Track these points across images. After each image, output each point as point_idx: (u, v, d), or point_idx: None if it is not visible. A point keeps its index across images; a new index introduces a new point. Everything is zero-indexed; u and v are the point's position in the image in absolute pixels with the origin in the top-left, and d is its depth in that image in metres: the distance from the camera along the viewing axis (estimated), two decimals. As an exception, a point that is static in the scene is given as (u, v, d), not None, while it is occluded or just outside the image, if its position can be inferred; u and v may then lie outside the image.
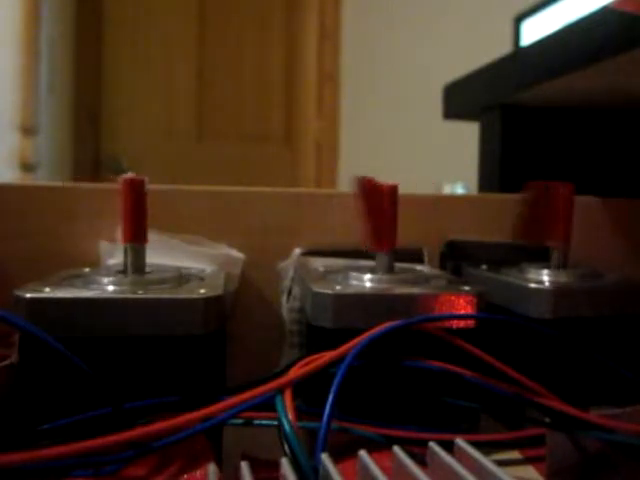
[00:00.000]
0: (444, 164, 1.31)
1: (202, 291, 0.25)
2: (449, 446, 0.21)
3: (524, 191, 0.33)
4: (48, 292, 0.24)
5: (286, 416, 0.21)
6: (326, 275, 0.31)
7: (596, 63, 0.37)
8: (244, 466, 0.19)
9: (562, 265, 0.33)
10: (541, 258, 0.34)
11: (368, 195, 0.29)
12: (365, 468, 0.19)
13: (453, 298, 0.27)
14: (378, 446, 0.23)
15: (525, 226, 0.34)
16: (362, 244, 0.30)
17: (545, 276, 0.32)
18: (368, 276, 0.29)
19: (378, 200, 0.29)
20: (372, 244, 0.30)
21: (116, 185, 0.28)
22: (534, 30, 0.81)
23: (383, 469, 0.19)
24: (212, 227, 0.36)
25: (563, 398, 0.25)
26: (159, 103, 1.75)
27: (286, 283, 0.36)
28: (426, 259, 0.37)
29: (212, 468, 0.19)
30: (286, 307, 0.35)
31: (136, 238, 0.28)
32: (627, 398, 0.27)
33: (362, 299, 0.27)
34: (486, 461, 0.19)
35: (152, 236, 0.29)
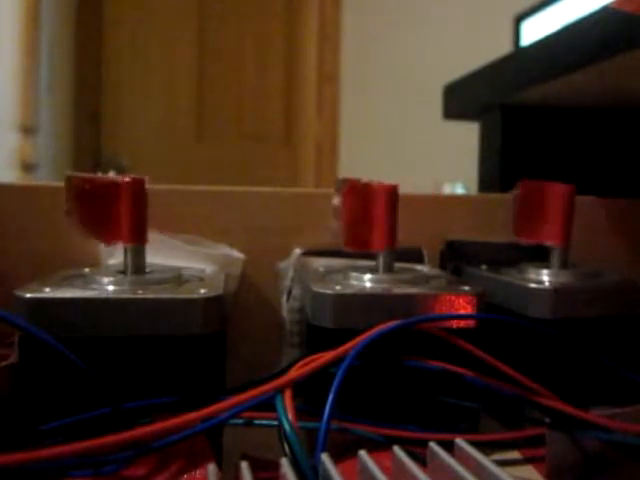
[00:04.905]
0: (444, 164, 1.31)
1: (202, 291, 0.25)
2: (449, 446, 0.21)
3: (516, 188, 0.34)
4: (48, 292, 0.24)
5: (286, 416, 0.21)
6: (326, 275, 0.31)
7: (596, 63, 0.37)
8: (244, 466, 0.19)
9: (562, 265, 0.33)
10: (541, 258, 0.34)
11: (360, 196, 0.29)
12: (365, 468, 0.19)
13: (453, 298, 0.27)
14: (378, 446, 0.23)
15: (519, 224, 0.34)
16: (345, 245, 0.30)
17: (545, 276, 0.32)
18: (368, 276, 0.29)
19: (371, 201, 0.29)
20: (364, 244, 0.29)
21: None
22: (534, 30, 0.81)
23: (383, 469, 0.19)
24: (212, 227, 0.36)
25: (563, 398, 0.25)
26: (159, 103, 1.75)
27: (286, 283, 0.36)
28: (426, 259, 0.37)
29: (212, 468, 0.19)
30: (286, 307, 0.35)
31: (136, 238, 0.28)
32: (627, 398, 0.27)
33: (362, 299, 0.27)
34: (486, 461, 0.19)
35: (152, 236, 0.29)
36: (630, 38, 0.34)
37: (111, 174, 0.27)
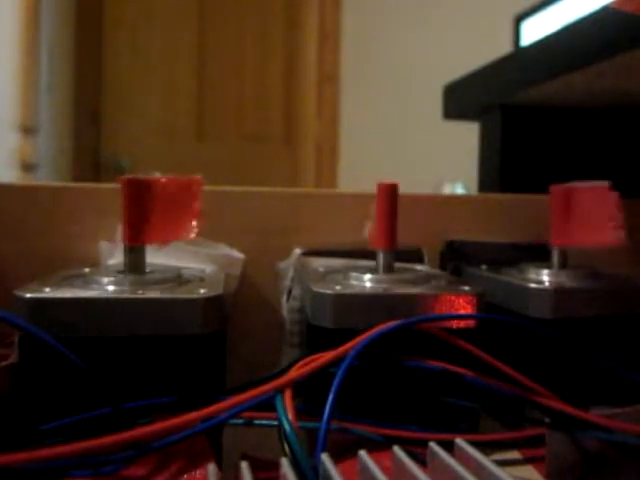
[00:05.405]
0: (444, 164, 1.31)
1: (202, 291, 0.25)
2: (449, 446, 0.21)
3: (549, 194, 0.33)
4: (48, 292, 0.24)
5: (286, 416, 0.21)
6: (326, 275, 0.31)
7: (596, 63, 0.37)
8: (244, 466, 0.19)
9: (562, 265, 0.33)
10: (541, 258, 0.34)
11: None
12: (365, 468, 0.19)
13: (453, 298, 0.27)
14: (378, 446, 0.23)
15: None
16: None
17: (545, 276, 0.32)
18: (368, 276, 0.29)
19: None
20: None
21: (116, 185, 0.28)
22: (534, 30, 0.81)
23: (383, 469, 0.19)
24: (212, 227, 0.36)
25: (563, 398, 0.25)
26: (159, 103, 1.75)
27: (286, 283, 0.36)
28: (426, 259, 0.37)
29: (212, 468, 0.19)
30: (286, 307, 0.35)
31: (136, 238, 0.28)
32: (627, 398, 0.27)
33: (362, 299, 0.27)
34: (486, 461, 0.19)
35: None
36: (630, 38, 0.34)
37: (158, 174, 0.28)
